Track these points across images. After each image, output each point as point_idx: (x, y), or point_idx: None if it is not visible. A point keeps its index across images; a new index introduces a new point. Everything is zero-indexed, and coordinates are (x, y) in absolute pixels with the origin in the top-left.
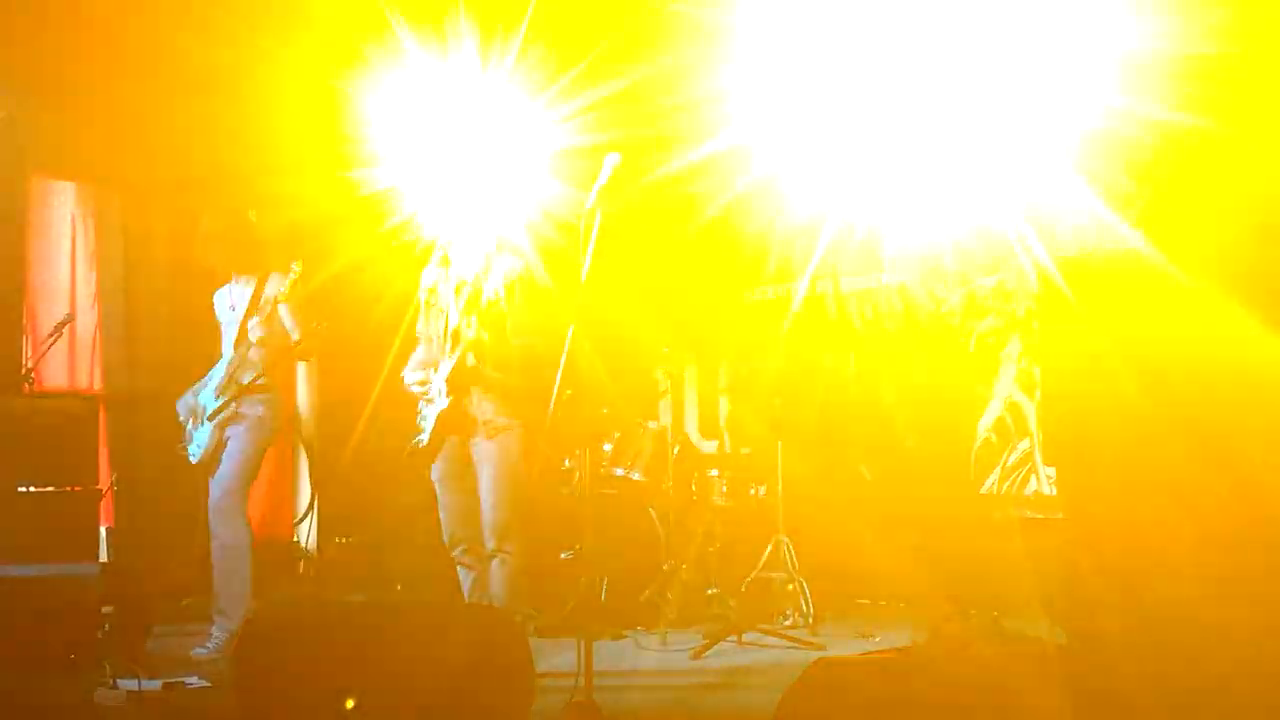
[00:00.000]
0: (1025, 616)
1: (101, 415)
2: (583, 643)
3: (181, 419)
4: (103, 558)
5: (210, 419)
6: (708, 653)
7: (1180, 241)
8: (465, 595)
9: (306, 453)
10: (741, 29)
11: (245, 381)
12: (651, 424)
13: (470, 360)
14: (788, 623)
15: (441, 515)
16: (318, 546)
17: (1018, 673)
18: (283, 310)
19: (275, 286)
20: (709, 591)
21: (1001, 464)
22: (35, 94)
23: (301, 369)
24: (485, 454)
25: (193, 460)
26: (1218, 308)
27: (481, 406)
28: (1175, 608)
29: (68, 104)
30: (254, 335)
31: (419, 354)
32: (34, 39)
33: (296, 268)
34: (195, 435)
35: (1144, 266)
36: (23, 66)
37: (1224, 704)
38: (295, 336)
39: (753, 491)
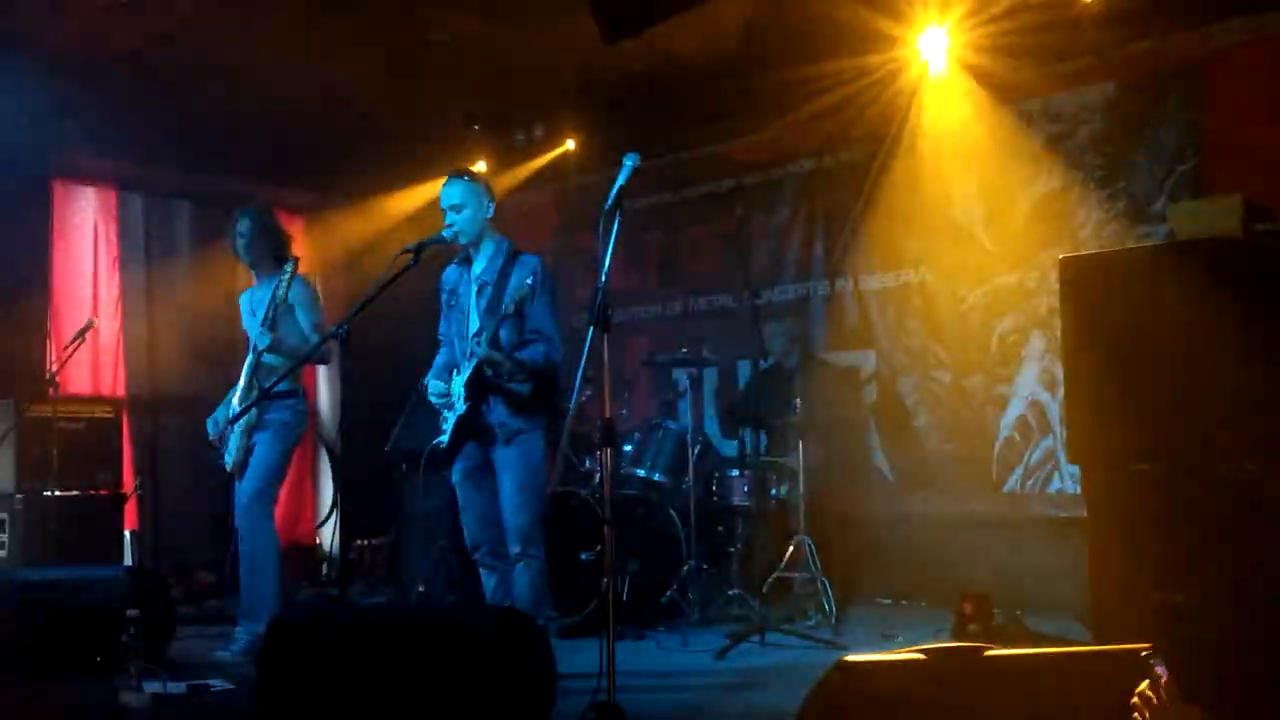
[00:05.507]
0: (1049, 615)
1: (125, 419)
2: (605, 644)
3: (211, 436)
4: (127, 560)
5: (234, 424)
6: (730, 653)
7: None
8: (488, 597)
9: (328, 456)
10: None
11: (266, 387)
12: (672, 424)
13: (488, 368)
14: (810, 623)
15: (462, 517)
16: (340, 549)
17: (1041, 673)
18: (299, 312)
19: (276, 292)
20: (730, 592)
21: (1024, 462)
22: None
23: (323, 372)
24: (505, 460)
25: (227, 468)
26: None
27: (499, 411)
28: None
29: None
30: (262, 344)
31: (441, 358)
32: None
33: (287, 269)
34: (228, 442)
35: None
36: (45, 71)
37: None
38: (313, 339)
39: (774, 491)
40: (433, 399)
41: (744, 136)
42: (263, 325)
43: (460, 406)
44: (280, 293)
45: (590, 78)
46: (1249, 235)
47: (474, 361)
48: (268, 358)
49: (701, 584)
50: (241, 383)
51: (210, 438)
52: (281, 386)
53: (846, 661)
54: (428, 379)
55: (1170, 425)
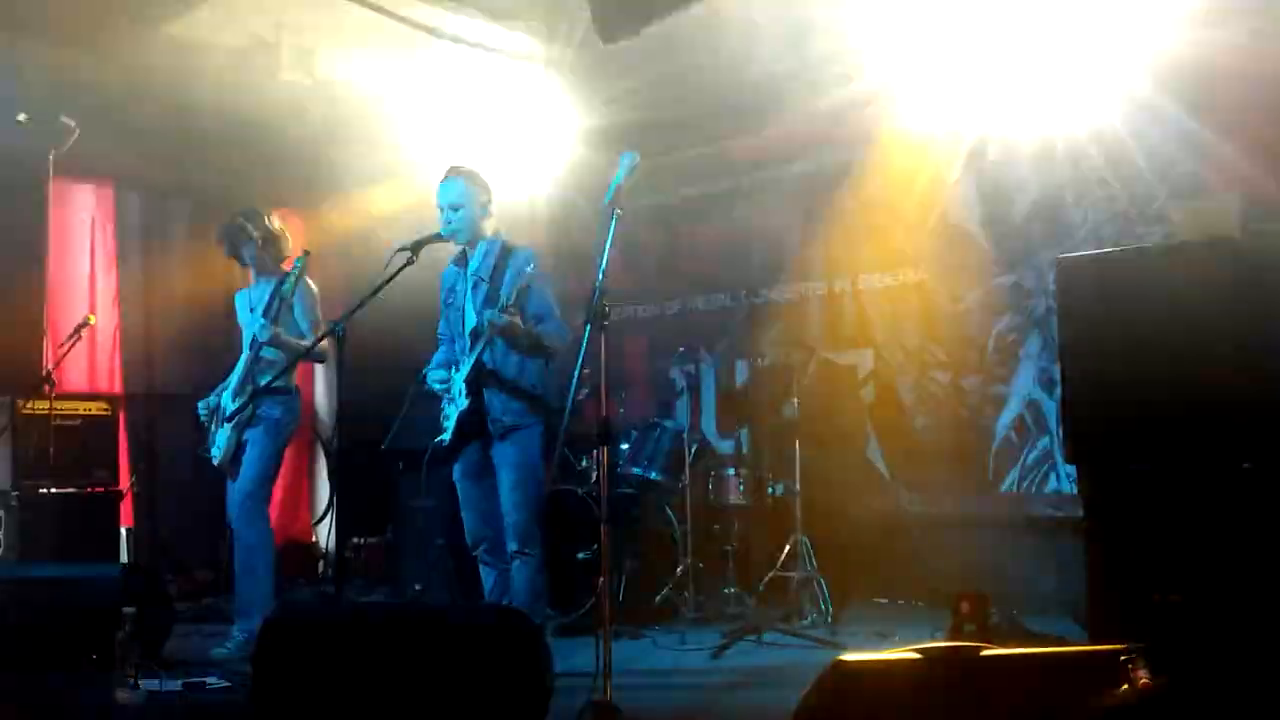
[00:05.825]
0: (1046, 615)
1: (121, 417)
2: (601, 642)
3: (204, 420)
4: (123, 558)
5: (229, 421)
6: (726, 652)
7: None
8: (487, 593)
9: (324, 452)
10: None
11: (262, 384)
12: (668, 423)
13: (488, 360)
14: (806, 622)
15: (463, 515)
16: (336, 546)
17: (1037, 672)
18: (297, 310)
19: (283, 285)
20: (727, 591)
21: (1021, 462)
22: (57, 95)
23: (320, 369)
24: (503, 456)
25: (214, 462)
26: None
27: (497, 406)
28: None
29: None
30: (263, 336)
31: (440, 355)
32: (56, 43)
33: (299, 263)
34: (216, 437)
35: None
36: (45, 68)
37: None
38: (309, 338)
39: (770, 490)
40: (435, 386)
41: (742, 136)
42: (265, 318)
43: (462, 402)
44: (288, 287)
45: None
46: (1247, 235)
47: (474, 355)
48: (266, 352)
49: (698, 583)
50: (235, 378)
51: (201, 418)
52: (277, 383)
53: (842, 661)
54: (427, 370)
55: (1167, 425)
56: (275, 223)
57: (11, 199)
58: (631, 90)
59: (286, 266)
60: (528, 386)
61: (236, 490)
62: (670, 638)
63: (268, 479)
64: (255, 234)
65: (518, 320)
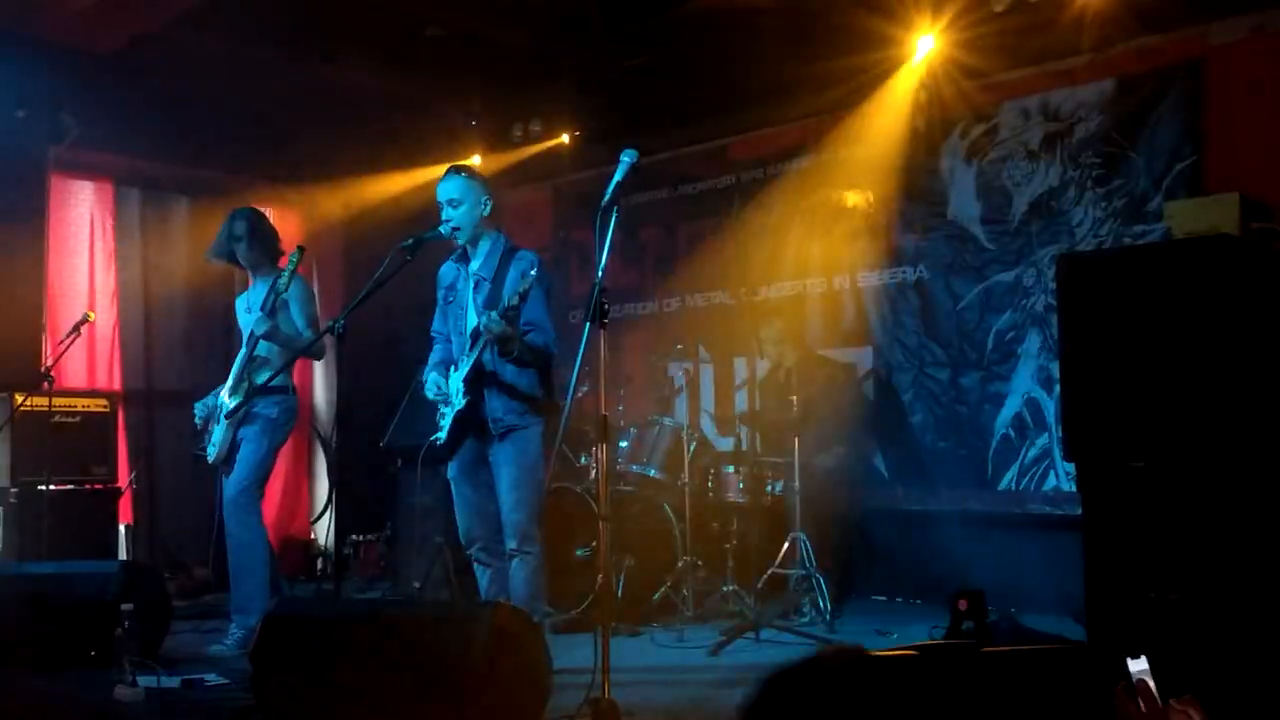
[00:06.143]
0: (1045, 613)
1: (120, 413)
2: (600, 639)
3: (197, 421)
4: (122, 555)
5: (226, 418)
6: (724, 649)
7: None
8: (482, 593)
9: (323, 450)
10: None
11: (259, 382)
12: (667, 420)
13: (487, 361)
14: (804, 619)
15: (457, 513)
16: (335, 543)
17: (1036, 671)
18: (293, 306)
19: (278, 281)
20: (725, 588)
21: (1020, 460)
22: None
23: (319, 367)
24: (502, 455)
25: (209, 459)
26: None
27: (496, 406)
28: None
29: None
30: (260, 329)
31: (436, 354)
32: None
33: (294, 259)
34: (213, 434)
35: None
36: (43, 64)
37: None
38: (306, 335)
39: (769, 488)
40: (431, 395)
41: (742, 133)
42: (261, 311)
43: (459, 402)
44: (283, 282)
45: (589, 73)
46: (1246, 233)
47: (474, 354)
48: (262, 348)
49: (696, 580)
50: (231, 378)
51: (197, 421)
52: (274, 382)
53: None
54: (426, 374)
55: (1166, 423)
56: (266, 220)
57: (11, 196)
58: (633, 86)
59: (282, 264)
60: (526, 389)
61: (229, 487)
62: (669, 635)
63: (261, 477)
64: (245, 235)
65: (511, 331)
